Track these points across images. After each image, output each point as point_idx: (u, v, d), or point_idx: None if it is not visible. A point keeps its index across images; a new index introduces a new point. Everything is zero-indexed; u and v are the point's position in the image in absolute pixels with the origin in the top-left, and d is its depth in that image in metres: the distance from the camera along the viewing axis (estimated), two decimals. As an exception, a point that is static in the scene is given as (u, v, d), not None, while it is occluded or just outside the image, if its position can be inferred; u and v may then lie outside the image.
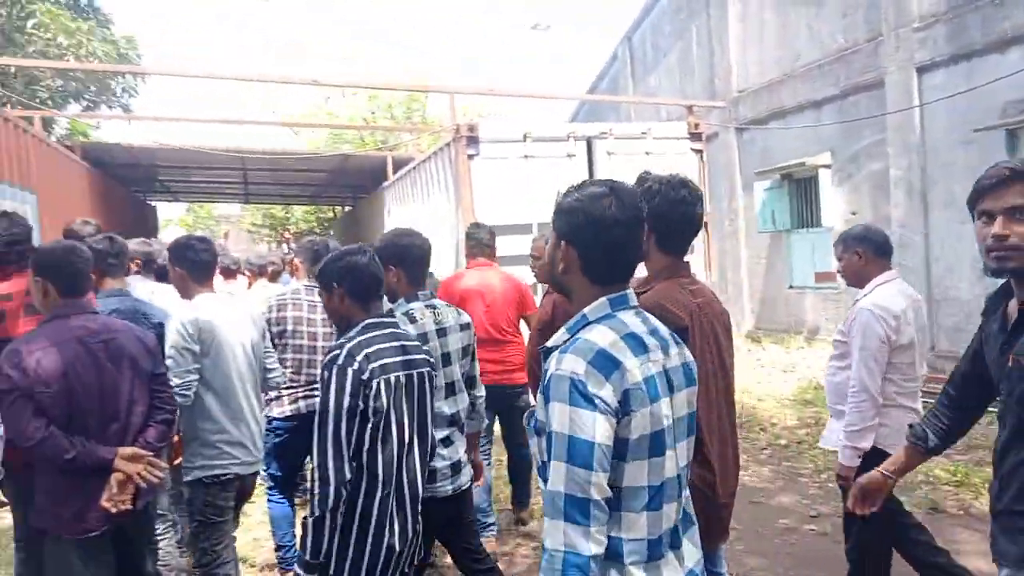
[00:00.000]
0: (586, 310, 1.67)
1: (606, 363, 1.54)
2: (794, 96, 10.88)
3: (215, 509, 3.15)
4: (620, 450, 1.53)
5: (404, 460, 2.43)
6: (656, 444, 1.59)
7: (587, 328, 1.64)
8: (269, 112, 24.59)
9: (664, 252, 2.34)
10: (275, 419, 3.99)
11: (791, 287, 11.48)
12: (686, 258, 2.43)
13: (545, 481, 1.53)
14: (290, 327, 4.07)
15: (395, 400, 2.39)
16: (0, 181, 5.96)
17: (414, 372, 2.50)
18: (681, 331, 1.99)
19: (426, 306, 3.04)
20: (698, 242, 7.65)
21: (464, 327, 3.17)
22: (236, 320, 3.28)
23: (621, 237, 1.65)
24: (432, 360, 2.67)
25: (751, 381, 8.68)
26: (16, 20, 9.82)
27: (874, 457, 2.86)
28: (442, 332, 3.03)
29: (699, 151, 7.75)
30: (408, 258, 3.05)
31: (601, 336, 1.60)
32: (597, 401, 1.50)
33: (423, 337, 2.89)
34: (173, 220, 34.17)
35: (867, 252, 3.17)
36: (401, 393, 2.42)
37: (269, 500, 4.13)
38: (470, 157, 6.96)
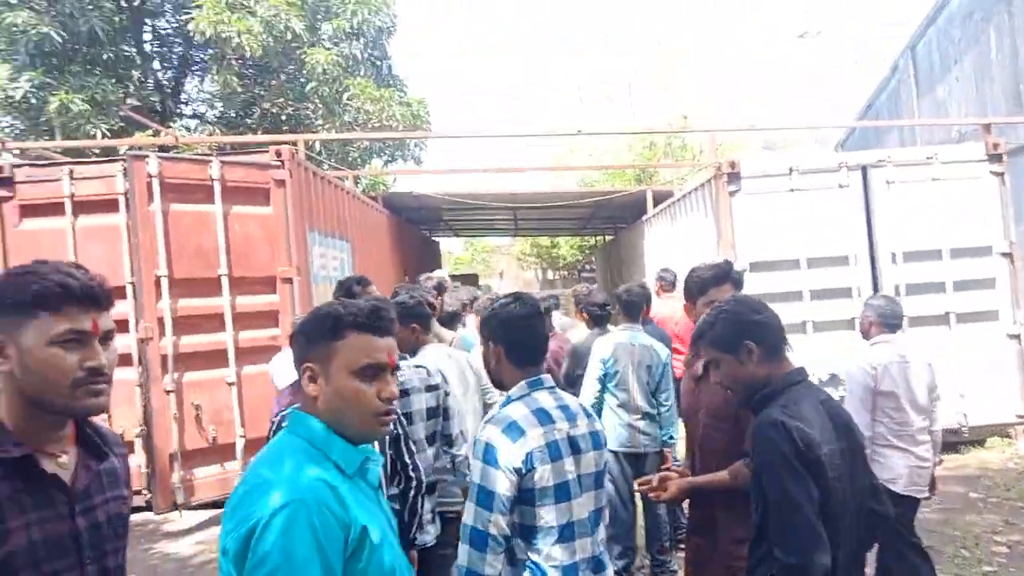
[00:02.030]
0: (511, 391, 2.20)
1: (514, 432, 2.06)
2: None
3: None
4: (529, 497, 2.04)
5: None
6: (561, 492, 2.09)
7: (509, 404, 2.18)
8: (535, 148, 26.08)
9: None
10: None
11: None
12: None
13: None
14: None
15: None
16: (328, 234, 7.15)
17: None
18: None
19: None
20: (1001, 274, 6.79)
21: (430, 388, 3.23)
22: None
23: (533, 329, 2.20)
24: None
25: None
26: (335, 94, 11.70)
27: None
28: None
29: (999, 174, 6.89)
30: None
31: (515, 410, 2.13)
32: (502, 462, 2.01)
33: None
34: (452, 253, 37.47)
35: None
36: None
37: None
38: (731, 193, 6.90)
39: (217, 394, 5.73)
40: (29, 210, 5.64)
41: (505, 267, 40.58)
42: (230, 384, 5.75)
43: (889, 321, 4.00)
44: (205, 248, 5.66)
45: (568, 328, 6.90)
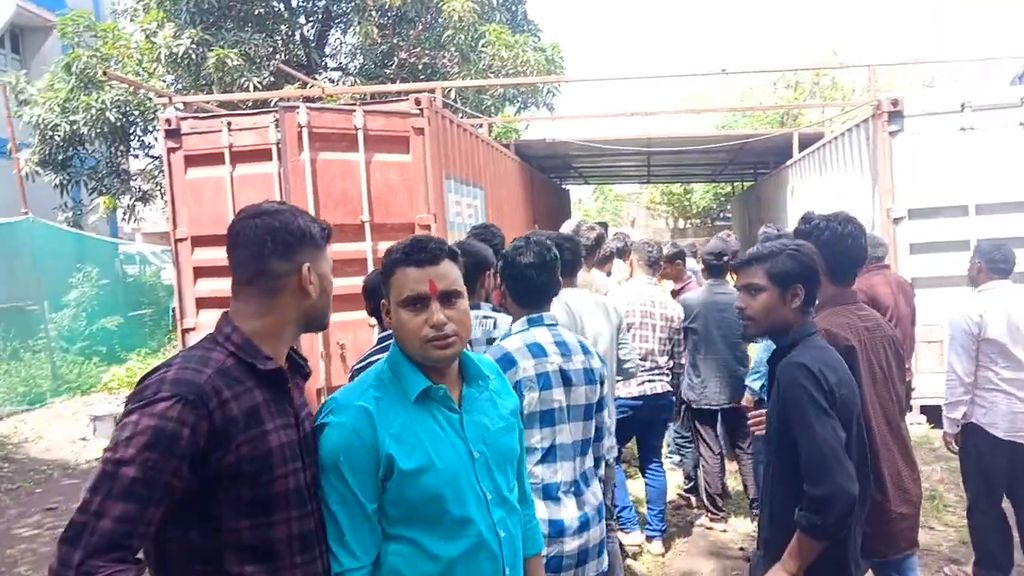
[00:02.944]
0: (513, 325, 2.54)
1: (506, 362, 2.34)
2: None
3: None
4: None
5: None
6: (546, 418, 2.38)
7: (506, 338, 2.51)
8: (669, 90, 25.12)
9: (832, 282, 2.64)
10: (621, 399, 4.41)
11: None
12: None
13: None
14: (638, 319, 4.61)
15: None
16: (463, 181, 7.25)
17: None
18: (847, 351, 2.43)
19: None
20: None
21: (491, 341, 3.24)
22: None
23: (532, 275, 2.46)
24: None
25: None
26: (470, 42, 11.72)
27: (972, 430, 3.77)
28: None
29: None
30: None
31: (511, 343, 2.45)
32: None
33: None
34: (582, 200, 37.14)
35: None
36: None
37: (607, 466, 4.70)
38: (892, 134, 6.36)
39: (360, 334, 6.01)
40: (193, 160, 6.07)
41: (635, 215, 39.81)
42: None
43: (999, 266, 3.83)
44: (350, 195, 5.89)
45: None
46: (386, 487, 1.65)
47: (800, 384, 2.09)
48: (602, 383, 2.54)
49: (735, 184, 23.38)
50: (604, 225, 6.70)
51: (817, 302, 2.49)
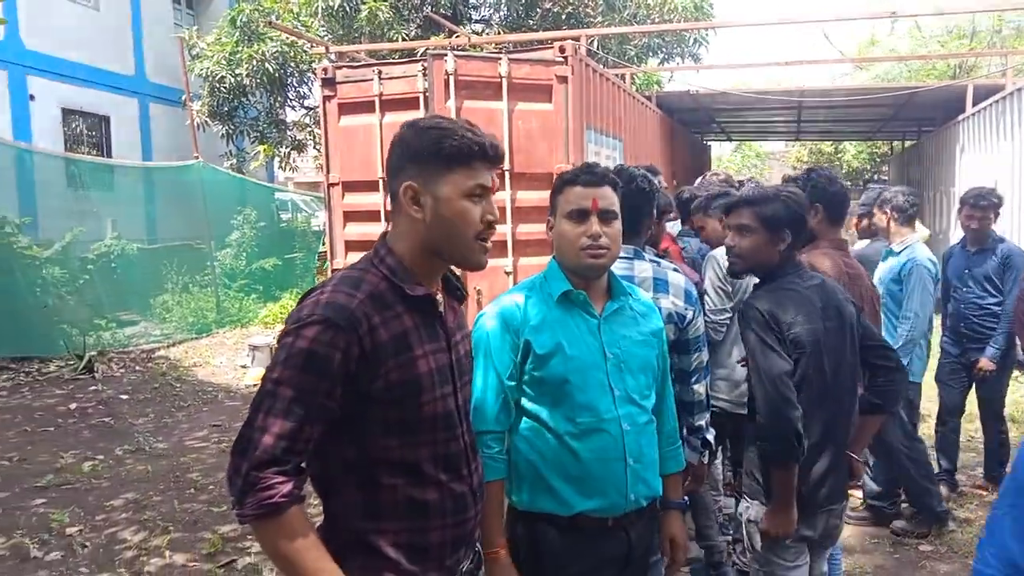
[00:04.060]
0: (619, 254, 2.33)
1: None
2: None
3: None
4: None
5: None
6: None
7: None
8: (824, 38, 23.45)
9: (828, 226, 3.04)
10: None
11: None
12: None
13: None
14: None
15: None
16: (603, 132, 7.17)
17: None
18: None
19: None
20: None
21: None
22: None
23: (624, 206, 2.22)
24: None
25: None
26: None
27: None
28: None
29: None
30: None
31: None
32: None
33: None
34: (722, 158, 35.74)
35: None
36: None
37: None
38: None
39: (496, 281, 6.14)
40: (346, 108, 6.35)
41: (779, 175, 37.89)
42: (508, 273, 6.13)
43: None
44: (492, 144, 5.98)
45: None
46: (523, 369, 1.94)
47: (748, 323, 2.33)
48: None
49: (894, 143, 21.65)
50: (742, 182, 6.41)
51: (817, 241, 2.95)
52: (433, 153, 1.51)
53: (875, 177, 28.81)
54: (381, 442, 1.50)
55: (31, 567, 3.97)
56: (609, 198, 1.98)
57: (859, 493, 4.47)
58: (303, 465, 1.48)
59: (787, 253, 2.42)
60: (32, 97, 12.35)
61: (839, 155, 30.08)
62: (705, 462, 2.69)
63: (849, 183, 31.48)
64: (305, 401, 1.40)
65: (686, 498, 2.33)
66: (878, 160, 27.01)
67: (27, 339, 8.72)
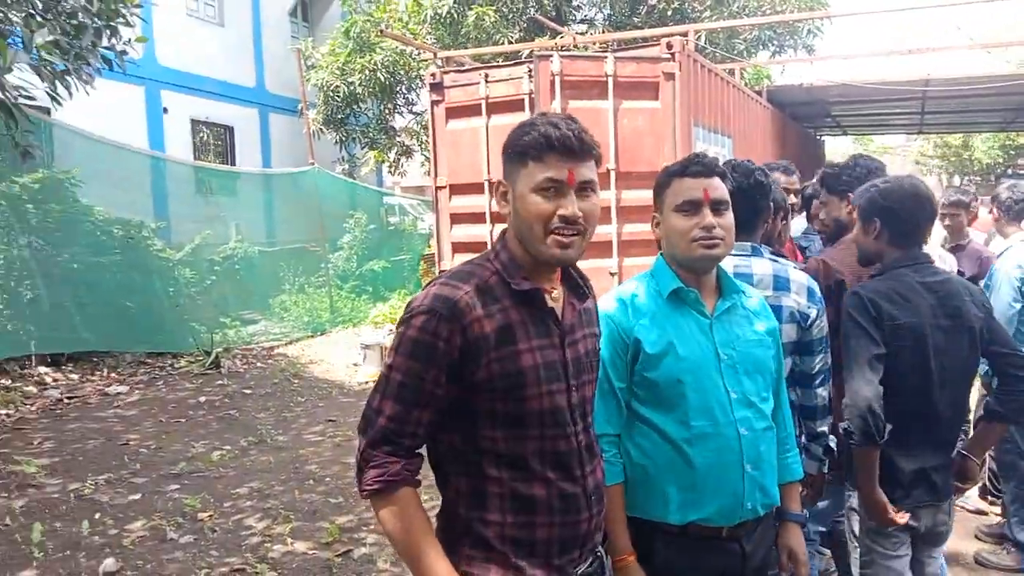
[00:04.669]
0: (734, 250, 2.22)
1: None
2: None
3: None
4: None
5: None
6: None
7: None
8: (955, 30, 22.00)
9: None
10: None
11: None
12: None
13: None
14: None
15: None
16: (711, 129, 6.99)
17: None
18: (838, 284, 2.69)
19: None
20: None
21: None
22: None
23: (740, 200, 2.14)
24: None
25: None
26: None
27: None
28: None
29: None
30: None
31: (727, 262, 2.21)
32: None
33: None
34: (837, 154, 34.11)
35: None
36: None
37: None
38: None
39: (600, 282, 6.09)
40: (453, 112, 6.48)
41: (900, 171, 35.74)
42: (612, 274, 6.08)
43: None
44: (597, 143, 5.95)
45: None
46: (634, 370, 1.89)
47: (848, 310, 2.36)
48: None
49: (1032, 133, 20.01)
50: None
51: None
52: (513, 149, 1.56)
53: (1009, 171, 26.71)
54: (487, 433, 1.54)
55: (168, 548, 4.26)
56: (720, 188, 1.92)
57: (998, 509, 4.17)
58: (418, 450, 1.55)
59: (891, 243, 2.44)
60: (166, 110, 13.29)
61: (968, 149, 28.08)
62: (825, 471, 2.56)
63: (979, 179, 29.36)
64: (412, 386, 1.49)
65: (805, 511, 2.23)
66: (1012, 153, 25.01)
67: (161, 336, 9.37)
